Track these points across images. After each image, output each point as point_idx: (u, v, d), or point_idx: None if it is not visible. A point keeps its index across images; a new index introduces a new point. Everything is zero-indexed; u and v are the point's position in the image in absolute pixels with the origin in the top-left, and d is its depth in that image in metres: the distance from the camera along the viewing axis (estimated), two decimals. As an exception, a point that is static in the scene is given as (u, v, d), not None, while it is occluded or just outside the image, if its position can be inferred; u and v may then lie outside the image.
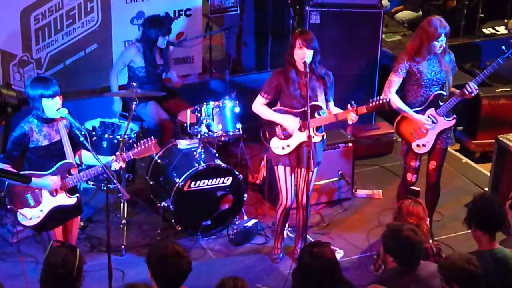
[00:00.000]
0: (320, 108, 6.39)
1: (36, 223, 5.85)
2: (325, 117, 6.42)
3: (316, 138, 6.41)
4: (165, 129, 7.90)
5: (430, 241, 6.14)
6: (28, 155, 5.79)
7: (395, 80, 6.76)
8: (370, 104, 6.30)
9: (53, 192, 5.80)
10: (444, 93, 6.73)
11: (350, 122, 6.33)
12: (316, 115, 6.37)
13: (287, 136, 6.48)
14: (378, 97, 6.31)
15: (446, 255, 5.23)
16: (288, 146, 6.50)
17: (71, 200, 5.88)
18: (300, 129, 6.43)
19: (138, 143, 5.97)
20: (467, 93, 6.64)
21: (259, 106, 6.53)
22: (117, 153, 5.88)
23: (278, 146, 6.52)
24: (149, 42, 7.75)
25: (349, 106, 6.32)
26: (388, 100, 6.29)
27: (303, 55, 6.30)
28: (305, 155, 6.41)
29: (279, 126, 6.49)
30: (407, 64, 6.69)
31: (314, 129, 6.38)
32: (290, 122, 6.43)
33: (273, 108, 6.52)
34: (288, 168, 6.62)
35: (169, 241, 4.86)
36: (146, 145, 5.90)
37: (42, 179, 5.72)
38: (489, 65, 6.69)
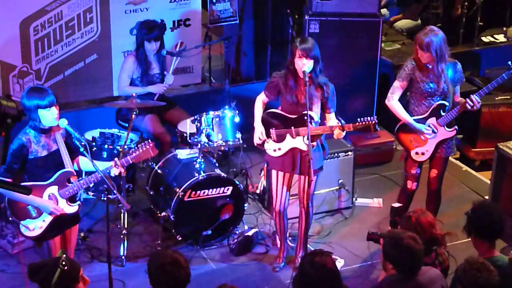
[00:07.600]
0: (312, 118, 6.41)
1: (39, 233, 5.84)
2: (317, 127, 6.43)
3: (303, 146, 6.42)
4: (162, 142, 7.86)
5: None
6: (27, 166, 5.77)
7: (398, 87, 6.76)
8: (357, 124, 6.33)
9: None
10: (447, 104, 6.72)
11: (335, 137, 6.42)
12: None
13: (279, 139, 6.54)
14: (366, 117, 6.32)
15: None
16: (279, 149, 6.58)
17: (73, 208, 5.88)
18: (292, 136, 6.49)
19: (135, 148, 5.98)
20: (469, 106, 6.64)
21: (257, 101, 6.68)
22: (116, 159, 5.90)
23: (271, 147, 6.62)
24: (138, 46, 7.75)
25: (337, 122, 6.38)
26: (374, 122, 6.30)
27: (303, 65, 6.31)
28: (298, 161, 6.52)
29: (273, 128, 6.54)
30: (411, 72, 6.69)
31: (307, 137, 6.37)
32: (256, 132, 6.59)
33: (270, 110, 6.59)
34: (281, 174, 6.67)
35: (170, 250, 4.85)
36: (144, 148, 5.91)
37: (45, 202, 5.73)
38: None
